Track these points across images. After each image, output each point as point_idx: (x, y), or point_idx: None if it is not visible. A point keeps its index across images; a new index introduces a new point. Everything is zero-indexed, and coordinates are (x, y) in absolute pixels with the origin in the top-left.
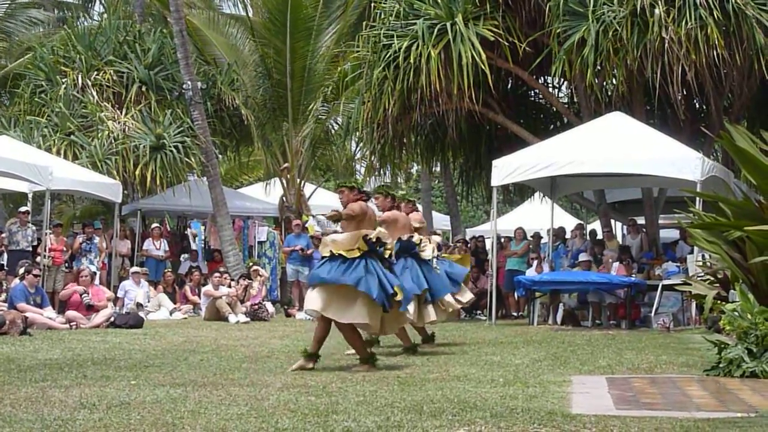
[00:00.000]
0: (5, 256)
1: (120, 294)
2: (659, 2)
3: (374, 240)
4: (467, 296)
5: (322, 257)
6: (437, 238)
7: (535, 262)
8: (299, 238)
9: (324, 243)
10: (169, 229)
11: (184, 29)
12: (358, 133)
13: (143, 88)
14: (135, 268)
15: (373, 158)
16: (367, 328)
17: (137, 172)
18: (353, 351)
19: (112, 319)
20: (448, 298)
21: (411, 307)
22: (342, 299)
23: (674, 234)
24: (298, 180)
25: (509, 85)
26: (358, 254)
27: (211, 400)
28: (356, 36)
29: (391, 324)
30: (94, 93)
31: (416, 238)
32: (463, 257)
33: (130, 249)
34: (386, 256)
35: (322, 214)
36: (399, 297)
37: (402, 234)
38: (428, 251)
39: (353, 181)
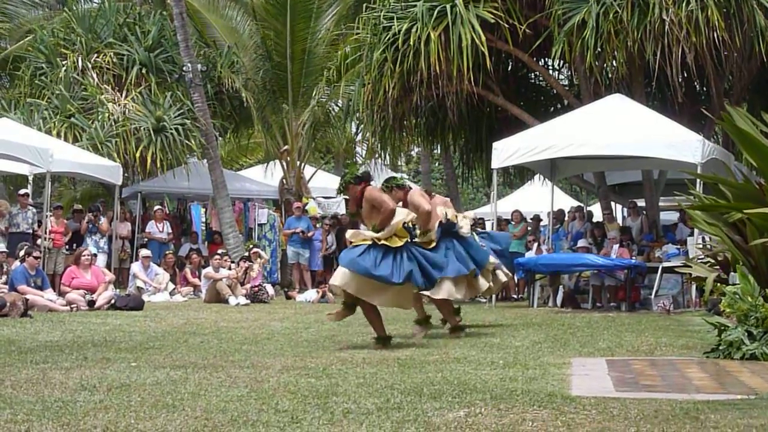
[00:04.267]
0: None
1: (130, 277)
2: None
3: (411, 225)
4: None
5: (357, 244)
6: (470, 214)
7: (535, 245)
8: (299, 221)
9: (356, 234)
10: (167, 211)
11: (184, 11)
12: (358, 116)
13: (143, 71)
14: (145, 251)
15: (373, 140)
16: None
17: (137, 155)
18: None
19: (112, 301)
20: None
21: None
22: (377, 285)
23: (674, 216)
24: (298, 162)
25: (509, 68)
26: (401, 243)
27: (212, 382)
28: (356, 18)
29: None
30: (95, 75)
31: (451, 215)
32: None
33: (131, 231)
34: (417, 235)
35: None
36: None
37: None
38: (466, 228)
39: (352, 174)
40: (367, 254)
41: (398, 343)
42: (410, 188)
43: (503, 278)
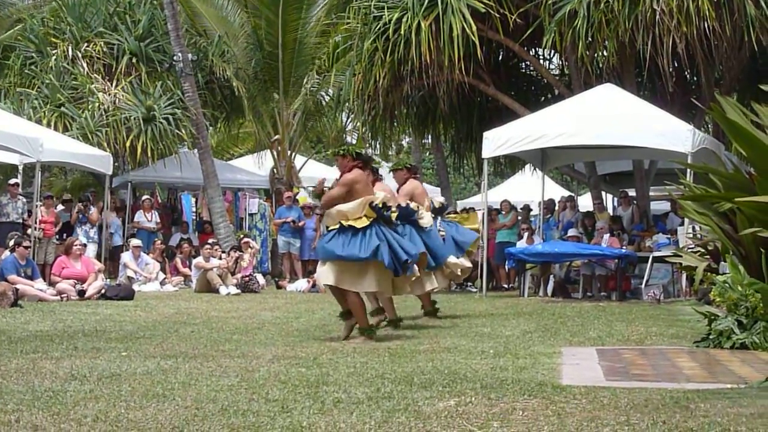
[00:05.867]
0: None
1: (120, 266)
2: None
3: (380, 205)
4: (466, 264)
5: (329, 229)
6: (440, 199)
7: (526, 234)
8: (290, 210)
9: (329, 215)
10: (160, 201)
11: (175, 0)
12: (348, 105)
13: (134, 60)
14: (136, 241)
15: (364, 130)
16: (378, 293)
17: (128, 144)
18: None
19: (103, 290)
20: (452, 259)
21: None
22: (354, 270)
23: (665, 206)
24: (289, 152)
25: (500, 57)
26: (367, 222)
27: (202, 371)
28: (347, 8)
29: (402, 285)
30: (85, 65)
31: (414, 205)
32: (471, 216)
33: (121, 221)
34: (393, 217)
35: (312, 187)
36: (411, 261)
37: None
38: (426, 219)
39: (345, 148)
40: (336, 239)
41: (389, 333)
42: (381, 178)
43: (458, 265)
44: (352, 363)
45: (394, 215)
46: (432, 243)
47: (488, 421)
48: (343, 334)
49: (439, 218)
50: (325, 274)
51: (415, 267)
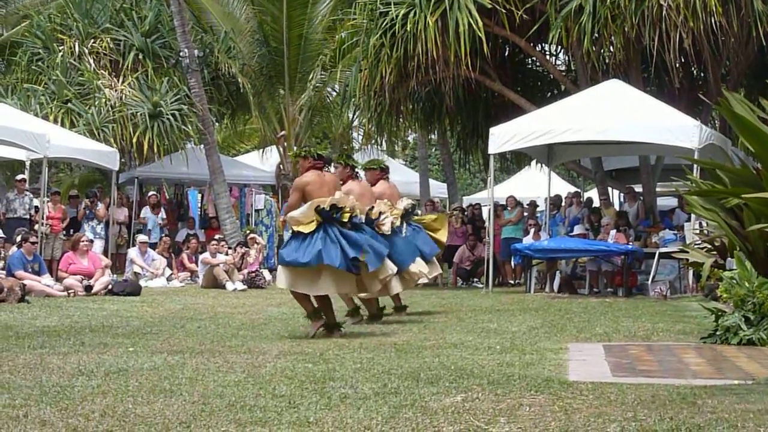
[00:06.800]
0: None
1: (127, 262)
2: None
3: (328, 208)
4: (435, 271)
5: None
6: (406, 203)
7: (533, 230)
8: None
9: (288, 223)
10: (166, 197)
11: None
12: (354, 101)
13: (140, 56)
14: (142, 237)
15: (370, 126)
16: (343, 295)
17: (134, 140)
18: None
19: (109, 286)
20: (413, 267)
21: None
22: (307, 275)
23: (672, 202)
24: (295, 148)
25: (506, 53)
26: (314, 227)
27: (209, 367)
28: (353, 3)
29: (371, 281)
30: (91, 61)
31: (375, 211)
32: (438, 217)
33: (128, 217)
34: (344, 219)
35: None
36: (362, 258)
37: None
38: (387, 226)
39: (307, 150)
40: (289, 245)
41: (395, 329)
42: (356, 174)
43: (417, 275)
44: (358, 358)
45: (345, 216)
46: (394, 249)
47: (495, 416)
48: (311, 334)
49: (405, 224)
50: (280, 278)
51: (390, 263)
